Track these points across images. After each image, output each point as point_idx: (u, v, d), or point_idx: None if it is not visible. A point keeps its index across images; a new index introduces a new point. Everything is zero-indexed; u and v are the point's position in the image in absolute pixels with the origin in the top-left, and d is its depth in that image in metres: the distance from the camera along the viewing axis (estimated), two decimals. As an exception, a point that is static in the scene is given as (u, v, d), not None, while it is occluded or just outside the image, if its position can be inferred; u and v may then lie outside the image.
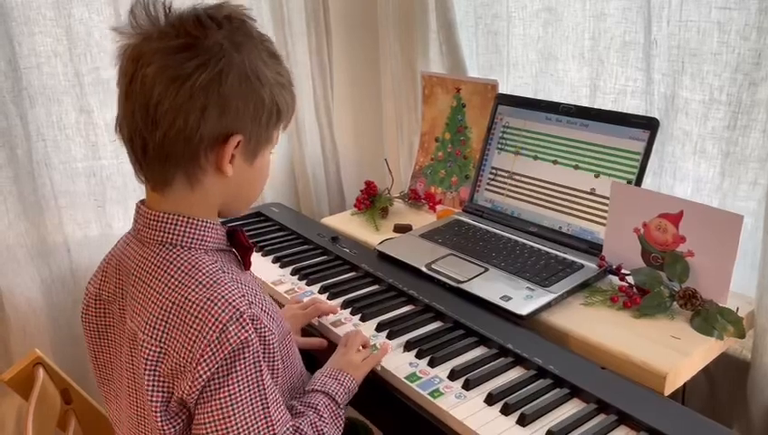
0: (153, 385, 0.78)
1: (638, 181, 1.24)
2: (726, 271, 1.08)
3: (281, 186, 1.92)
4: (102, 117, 1.56)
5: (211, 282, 0.79)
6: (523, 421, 0.89)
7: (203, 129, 0.78)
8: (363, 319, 1.16)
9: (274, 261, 1.41)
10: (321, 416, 0.90)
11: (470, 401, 0.94)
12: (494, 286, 1.20)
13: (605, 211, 1.26)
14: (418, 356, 1.05)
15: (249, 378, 0.77)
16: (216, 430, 0.76)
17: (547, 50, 1.53)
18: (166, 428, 0.79)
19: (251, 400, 0.78)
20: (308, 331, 1.18)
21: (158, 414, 0.79)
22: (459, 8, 1.67)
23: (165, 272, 0.81)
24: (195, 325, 0.76)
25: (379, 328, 1.13)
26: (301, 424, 0.86)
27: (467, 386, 0.97)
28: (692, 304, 1.09)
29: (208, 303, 0.77)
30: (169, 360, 0.77)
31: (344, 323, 1.16)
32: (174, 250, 0.82)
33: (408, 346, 1.07)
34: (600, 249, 1.25)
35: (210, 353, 0.75)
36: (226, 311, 0.76)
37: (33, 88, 1.46)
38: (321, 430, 0.89)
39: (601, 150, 1.31)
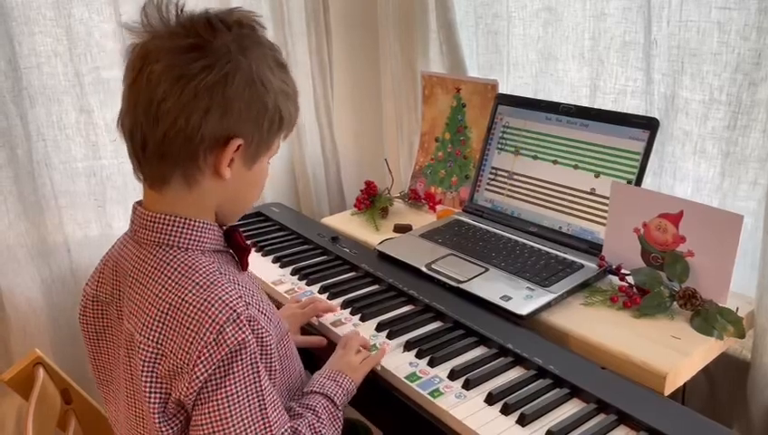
0: (151, 386, 0.78)
1: (638, 181, 1.24)
2: (726, 271, 1.08)
3: (281, 186, 1.92)
4: (102, 117, 1.56)
5: (208, 283, 0.79)
6: (522, 421, 0.89)
7: (204, 129, 0.78)
8: (363, 319, 1.16)
9: (274, 261, 1.41)
10: (320, 418, 0.90)
11: (470, 400, 0.94)
12: (494, 286, 1.20)
13: (605, 211, 1.26)
14: (418, 356, 1.05)
15: (246, 379, 0.77)
16: (214, 432, 0.76)
17: (547, 50, 1.53)
18: (164, 429, 0.79)
19: (248, 401, 0.77)
20: (308, 330, 1.18)
21: (156, 415, 0.79)
22: (459, 8, 1.67)
23: (162, 273, 0.81)
24: (192, 327, 0.76)
25: (379, 328, 1.13)
26: (299, 426, 0.86)
27: (467, 386, 0.97)
28: (692, 304, 1.09)
29: (205, 304, 0.77)
30: (167, 361, 0.77)
31: (344, 322, 1.16)
32: (171, 251, 0.82)
33: (407, 346, 1.07)
34: (600, 249, 1.25)
35: (207, 355, 0.75)
36: (223, 312, 0.76)
37: (33, 88, 1.46)
38: (320, 431, 0.89)
39: (601, 150, 1.31)
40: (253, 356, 0.78)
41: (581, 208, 1.33)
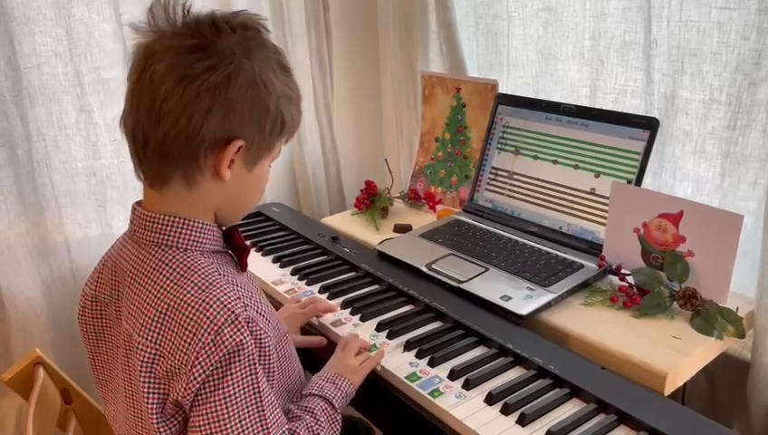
0: (149, 387, 0.78)
1: (639, 181, 1.24)
2: (726, 271, 1.08)
3: (281, 186, 1.92)
4: (102, 117, 1.56)
5: (206, 284, 0.79)
6: (522, 421, 0.89)
7: (205, 130, 0.78)
8: (363, 319, 1.16)
9: (274, 261, 1.41)
10: (318, 420, 0.90)
11: (470, 400, 0.94)
12: (494, 286, 1.20)
13: (605, 211, 1.26)
14: (418, 356, 1.05)
15: (244, 381, 0.77)
16: (211, 433, 0.76)
17: (547, 50, 1.53)
18: (162, 429, 0.79)
19: (246, 402, 0.77)
20: (308, 330, 1.18)
21: (155, 416, 0.79)
22: (459, 8, 1.67)
23: (160, 273, 0.81)
24: (190, 327, 0.76)
25: (379, 328, 1.13)
26: (297, 428, 0.86)
27: (467, 386, 0.97)
28: (692, 304, 1.09)
29: (203, 305, 0.77)
30: (165, 362, 0.77)
31: (344, 322, 1.16)
32: (170, 251, 0.82)
33: (407, 346, 1.07)
34: (600, 249, 1.25)
35: (205, 356, 0.75)
36: (221, 313, 0.76)
37: (33, 88, 1.46)
38: (318, 434, 0.89)
39: (601, 150, 1.31)
40: (251, 357, 0.78)
41: (582, 208, 1.33)
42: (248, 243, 0.92)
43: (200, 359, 0.75)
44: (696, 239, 1.11)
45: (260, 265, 1.38)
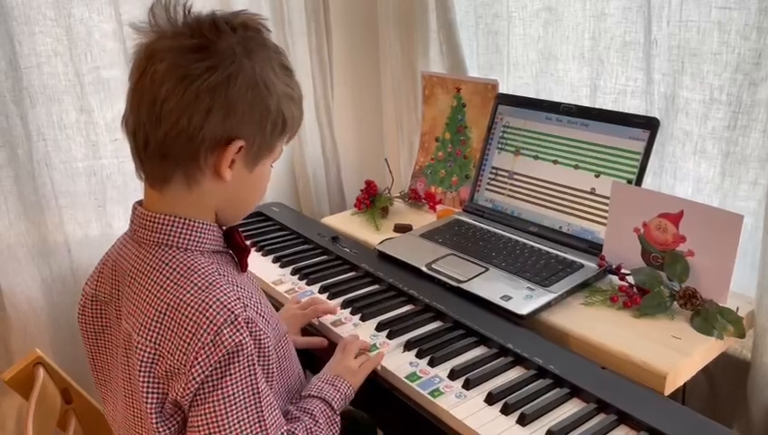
0: (148, 387, 0.78)
1: (639, 181, 1.24)
2: (726, 271, 1.08)
3: (281, 185, 1.92)
4: (103, 116, 1.56)
5: (206, 284, 0.79)
6: (522, 421, 0.89)
7: (205, 130, 0.78)
8: (363, 319, 1.16)
9: (275, 261, 1.41)
10: (317, 422, 0.90)
11: (470, 400, 0.94)
12: (494, 286, 1.20)
13: (605, 211, 1.26)
14: (419, 356, 1.05)
15: (243, 381, 0.77)
16: (210, 433, 0.76)
17: (547, 50, 1.53)
18: (161, 429, 0.79)
19: (245, 403, 0.77)
20: (308, 330, 1.18)
21: (154, 416, 0.79)
22: (459, 8, 1.67)
23: (160, 273, 0.81)
24: (189, 327, 0.76)
25: (379, 328, 1.13)
26: (296, 429, 0.86)
27: (467, 386, 0.97)
28: (692, 304, 1.09)
29: (203, 305, 0.77)
30: (164, 361, 0.77)
31: (344, 322, 1.16)
32: (170, 251, 0.82)
33: (408, 346, 1.07)
34: (600, 249, 1.25)
35: (204, 356, 0.75)
36: (221, 313, 0.76)
37: (33, 88, 1.46)
38: None
39: (602, 150, 1.31)
40: (250, 358, 0.78)
41: (582, 208, 1.33)
42: (248, 243, 0.92)
43: (199, 359, 0.75)
44: (697, 239, 1.11)
45: (260, 265, 1.38)
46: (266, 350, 0.82)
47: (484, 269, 1.26)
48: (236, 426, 0.77)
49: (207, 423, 0.76)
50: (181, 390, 0.76)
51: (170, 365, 0.77)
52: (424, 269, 1.28)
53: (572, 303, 1.17)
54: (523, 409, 0.91)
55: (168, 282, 0.80)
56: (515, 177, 1.46)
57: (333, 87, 1.95)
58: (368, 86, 2.01)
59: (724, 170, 1.24)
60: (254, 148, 0.83)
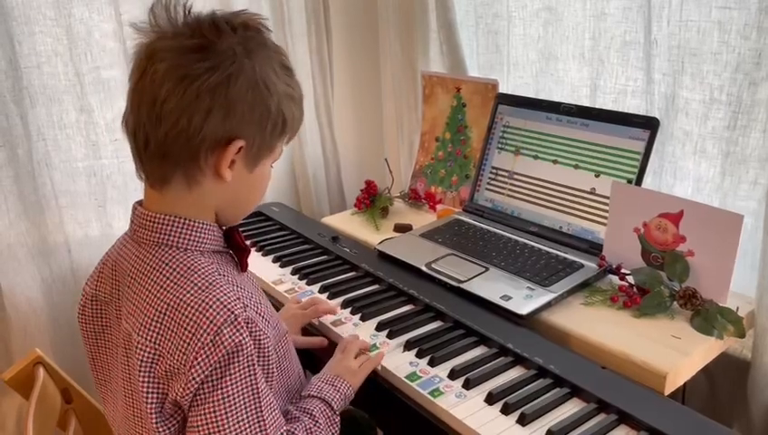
0: (148, 387, 0.78)
1: (639, 181, 1.24)
2: (726, 270, 1.08)
3: (281, 185, 1.92)
4: (103, 116, 1.56)
5: (206, 284, 0.79)
6: (523, 421, 0.89)
7: (206, 130, 0.78)
8: (363, 319, 1.16)
9: (275, 260, 1.41)
10: (317, 422, 0.90)
11: (470, 400, 0.94)
12: (494, 286, 1.20)
13: (605, 211, 1.26)
14: (419, 356, 1.05)
15: (243, 381, 0.77)
16: (209, 433, 0.76)
17: (547, 49, 1.53)
18: (161, 429, 0.79)
19: (244, 403, 0.77)
20: (308, 330, 1.18)
21: (154, 416, 0.79)
22: (459, 8, 1.67)
23: (160, 273, 0.81)
24: (189, 328, 0.76)
25: (379, 328, 1.13)
26: (295, 429, 0.86)
27: (467, 385, 0.97)
28: (692, 304, 1.09)
29: (203, 305, 0.77)
30: (164, 361, 0.77)
31: (344, 322, 1.16)
32: (170, 251, 0.82)
33: (408, 346, 1.07)
34: (601, 249, 1.25)
35: (204, 356, 0.75)
36: (221, 314, 0.76)
37: (33, 87, 1.46)
38: None
39: (602, 150, 1.31)
40: (249, 358, 0.78)
41: (582, 208, 1.33)
42: (248, 243, 0.92)
43: (199, 359, 0.75)
44: (697, 239, 1.11)
45: (260, 265, 1.38)
46: (266, 350, 0.82)
47: (484, 269, 1.26)
48: (236, 426, 0.77)
49: (207, 423, 0.76)
50: (181, 390, 0.76)
51: (170, 365, 0.77)
52: (424, 269, 1.28)
53: (572, 303, 1.17)
54: (523, 408, 0.91)
55: (167, 282, 0.80)
56: (515, 176, 1.46)
57: (333, 87, 1.95)
58: (368, 86, 2.01)
59: (725, 170, 1.24)
60: (255, 148, 0.83)
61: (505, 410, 0.91)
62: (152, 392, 0.79)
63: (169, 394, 0.78)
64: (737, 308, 1.08)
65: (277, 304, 1.23)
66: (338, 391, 0.96)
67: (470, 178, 1.60)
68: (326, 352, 1.08)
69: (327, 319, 1.17)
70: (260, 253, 1.45)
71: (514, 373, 1.00)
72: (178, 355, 0.76)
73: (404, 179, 1.85)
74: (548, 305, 1.14)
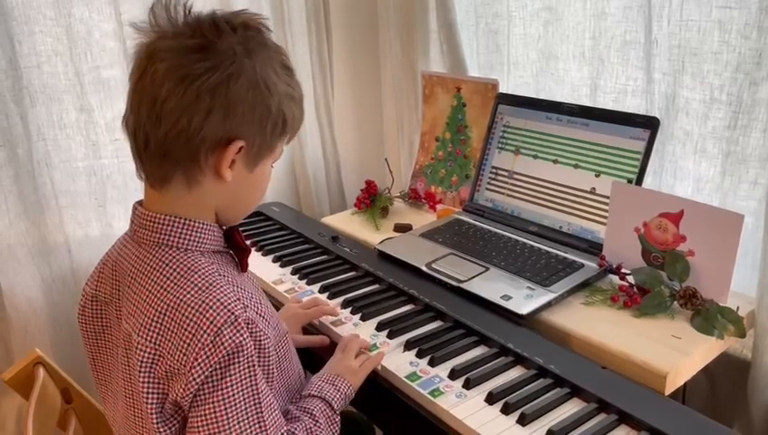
0: (148, 387, 0.78)
1: (639, 181, 1.24)
2: (727, 270, 1.08)
3: (281, 185, 1.92)
4: (103, 116, 1.56)
5: (207, 284, 0.79)
6: (523, 421, 0.89)
7: (206, 130, 0.78)
8: (363, 318, 1.16)
9: (275, 260, 1.41)
10: (317, 421, 0.90)
11: (470, 400, 0.94)
12: (494, 286, 1.20)
13: (605, 211, 1.26)
14: (419, 355, 1.05)
15: (243, 382, 0.77)
16: (209, 434, 0.76)
17: (548, 49, 1.53)
18: (162, 429, 0.79)
19: (245, 404, 0.77)
20: (307, 329, 1.18)
21: (154, 416, 0.79)
22: (460, 8, 1.67)
23: (160, 273, 0.81)
24: (189, 328, 0.76)
25: (379, 327, 1.13)
26: (296, 429, 0.86)
27: (468, 385, 0.97)
28: (692, 304, 1.09)
29: (203, 306, 0.76)
30: (164, 362, 0.77)
31: (344, 322, 1.16)
32: (170, 251, 0.82)
33: (408, 345, 1.07)
34: (601, 249, 1.25)
35: (204, 357, 0.75)
36: (221, 314, 0.76)
37: (33, 87, 1.46)
38: None
39: (602, 150, 1.31)
40: (250, 359, 0.78)
41: (582, 208, 1.33)
42: (248, 242, 0.92)
43: (199, 360, 0.75)
44: (697, 239, 1.11)
45: (260, 265, 1.38)
46: (266, 350, 0.82)
47: (484, 269, 1.26)
48: (236, 427, 0.77)
49: (207, 424, 0.76)
50: (181, 390, 0.76)
51: (170, 366, 0.76)
52: (424, 269, 1.28)
53: (573, 302, 1.17)
54: (523, 408, 0.91)
55: (168, 282, 0.80)
56: (515, 176, 1.46)
57: (333, 87, 1.95)
58: (368, 86, 2.01)
59: (725, 170, 1.24)
60: (255, 148, 0.83)
61: (506, 410, 0.91)
62: (152, 393, 0.78)
63: (170, 395, 0.78)
64: (738, 308, 1.08)
65: (277, 304, 1.23)
66: (338, 390, 0.96)
67: (470, 177, 1.60)
68: (326, 352, 1.08)
69: (327, 319, 1.17)
70: (260, 253, 1.45)
71: (515, 373, 1.00)
72: (179, 356, 0.76)
73: (404, 179, 1.85)
74: (548, 305, 1.14)
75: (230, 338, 0.75)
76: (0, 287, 1.48)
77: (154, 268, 0.81)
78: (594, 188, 1.31)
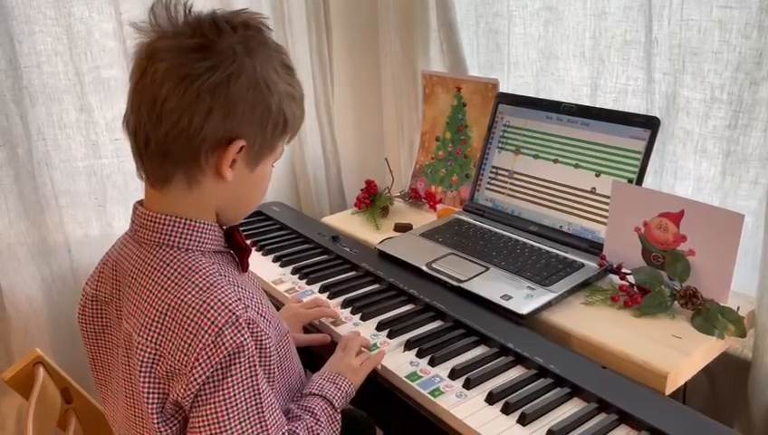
0: (149, 387, 0.78)
1: (639, 180, 1.24)
2: (727, 270, 1.08)
3: (281, 185, 1.92)
4: (103, 116, 1.56)
5: (208, 285, 0.79)
6: (523, 421, 0.89)
7: (206, 130, 0.78)
8: (363, 318, 1.16)
9: (275, 260, 1.41)
10: (318, 420, 0.90)
11: (470, 400, 0.94)
12: (494, 285, 1.20)
13: (606, 210, 1.26)
14: (419, 355, 1.05)
15: (244, 382, 0.77)
16: (211, 434, 0.76)
17: (548, 49, 1.53)
18: (162, 429, 0.79)
19: (246, 404, 0.77)
20: (307, 328, 1.18)
21: (155, 416, 0.79)
22: (460, 7, 1.67)
23: (161, 273, 0.80)
24: (190, 328, 0.76)
25: (380, 327, 1.13)
26: (297, 428, 0.86)
27: (468, 385, 0.97)
28: (693, 304, 1.09)
29: (204, 306, 0.76)
30: (165, 362, 0.77)
31: (344, 322, 1.16)
32: (171, 251, 0.82)
33: (408, 345, 1.07)
34: (601, 248, 1.25)
35: (205, 357, 0.75)
36: (222, 314, 0.76)
37: (33, 87, 1.46)
38: (318, 434, 0.89)
39: (602, 149, 1.31)
40: (251, 359, 0.77)
41: (582, 208, 1.33)
42: (248, 242, 0.92)
43: (200, 360, 0.75)
44: (697, 238, 1.11)
45: (260, 265, 1.38)
46: (267, 350, 0.82)
47: (484, 269, 1.26)
48: (238, 427, 0.77)
49: (209, 424, 0.76)
50: (182, 390, 0.76)
51: (171, 366, 0.76)
52: (424, 268, 1.28)
53: (573, 302, 1.16)
54: (523, 408, 0.91)
55: (168, 282, 0.79)
56: (516, 176, 1.46)
57: (333, 86, 1.95)
58: (368, 85, 2.01)
59: (725, 169, 1.24)
60: (256, 147, 0.83)
61: (506, 410, 0.91)
62: (153, 393, 0.78)
63: (170, 395, 0.78)
64: (738, 308, 1.07)
65: (277, 304, 1.23)
66: (339, 389, 0.96)
67: (470, 177, 1.60)
68: (327, 351, 1.08)
69: (327, 319, 1.17)
70: (260, 252, 1.45)
71: (515, 373, 1.00)
72: (179, 356, 0.76)
73: (404, 179, 1.85)
74: (548, 305, 1.14)
75: (231, 338, 0.75)
76: (0, 287, 1.48)
77: (155, 268, 0.81)
78: (594, 188, 1.31)
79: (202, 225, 0.84)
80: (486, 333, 1.07)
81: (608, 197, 1.25)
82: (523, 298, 1.15)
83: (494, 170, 1.50)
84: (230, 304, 0.77)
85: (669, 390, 0.98)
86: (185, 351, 0.75)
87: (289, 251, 1.44)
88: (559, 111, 1.39)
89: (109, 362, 0.91)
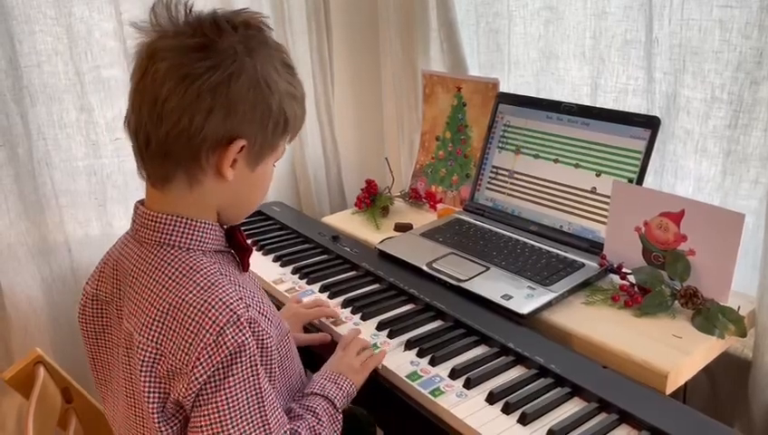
0: (150, 386, 0.78)
1: (640, 180, 1.24)
2: (728, 270, 1.08)
3: (282, 184, 1.92)
4: (103, 115, 1.56)
5: (209, 284, 0.79)
6: (523, 420, 0.89)
7: (207, 130, 0.78)
8: (364, 318, 1.16)
9: (275, 260, 1.41)
10: (320, 419, 0.90)
11: (471, 399, 0.94)
12: (494, 285, 1.20)
13: (606, 210, 1.26)
14: (419, 355, 1.05)
15: (245, 382, 0.77)
16: (212, 433, 0.76)
17: (548, 48, 1.53)
18: (163, 429, 0.79)
19: (247, 404, 0.77)
20: (307, 328, 1.18)
21: (156, 415, 0.78)
22: (460, 7, 1.67)
23: (162, 273, 0.80)
24: (191, 328, 0.76)
25: (380, 327, 1.13)
26: (298, 427, 0.86)
27: (468, 385, 0.97)
28: (693, 303, 1.09)
29: (205, 305, 0.76)
30: (166, 361, 0.77)
31: (345, 322, 1.16)
32: (172, 251, 0.82)
33: (408, 345, 1.07)
34: (601, 248, 1.25)
35: (207, 357, 0.75)
36: (224, 314, 0.76)
37: (33, 86, 1.46)
38: (319, 433, 0.89)
39: (602, 149, 1.31)
40: (252, 358, 0.77)
41: (582, 207, 1.33)
42: (249, 242, 0.92)
43: (202, 359, 0.75)
44: (698, 238, 1.11)
45: (260, 264, 1.38)
46: (269, 350, 0.82)
47: (484, 268, 1.26)
48: (239, 426, 0.77)
49: (210, 424, 0.76)
50: (183, 390, 0.76)
51: (172, 365, 0.76)
52: (424, 268, 1.28)
53: (573, 302, 1.16)
54: (523, 408, 0.91)
55: (170, 282, 0.79)
56: (516, 176, 1.46)
57: (334, 86, 1.95)
58: (368, 85, 2.01)
59: (726, 169, 1.24)
60: (256, 147, 0.83)
61: (506, 410, 0.91)
62: (154, 392, 0.78)
63: (171, 394, 0.78)
64: (738, 307, 1.07)
65: (278, 304, 1.23)
66: (340, 388, 0.96)
67: (470, 177, 1.60)
68: (327, 350, 1.08)
69: (327, 319, 1.17)
70: (260, 252, 1.45)
71: (515, 373, 1.00)
72: (181, 355, 0.76)
73: (404, 179, 1.85)
74: (549, 305, 1.14)
75: (232, 338, 0.75)
76: (0, 287, 1.48)
77: (156, 268, 0.81)
78: (595, 188, 1.31)
79: (203, 224, 0.84)
80: (487, 332, 1.07)
81: (608, 196, 1.25)
82: (523, 298, 1.15)
83: (495, 170, 1.50)
84: (231, 304, 0.77)
85: (670, 389, 0.98)
86: (186, 350, 0.75)
87: (289, 251, 1.44)
88: (559, 111, 1.39)
89: (109, 361, 0.91)
